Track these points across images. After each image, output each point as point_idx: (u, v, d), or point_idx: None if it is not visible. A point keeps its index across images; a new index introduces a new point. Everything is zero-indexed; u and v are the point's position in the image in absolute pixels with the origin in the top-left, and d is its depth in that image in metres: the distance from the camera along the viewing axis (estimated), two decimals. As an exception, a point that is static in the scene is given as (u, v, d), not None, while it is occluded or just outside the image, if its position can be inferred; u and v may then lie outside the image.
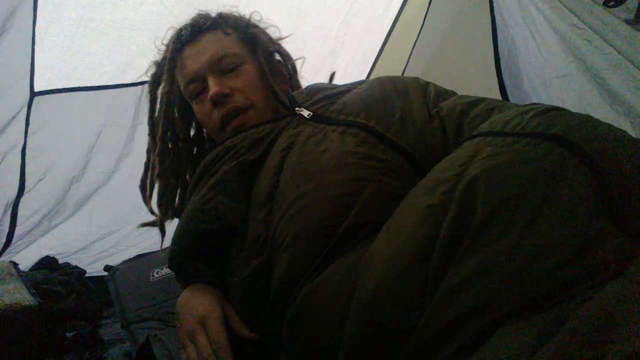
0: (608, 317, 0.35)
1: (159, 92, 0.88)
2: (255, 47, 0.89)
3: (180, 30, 0.87)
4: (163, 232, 0.90)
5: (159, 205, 0.89)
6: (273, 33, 0.96)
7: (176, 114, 0.91)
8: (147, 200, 0.91)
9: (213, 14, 0.90)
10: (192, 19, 0.88)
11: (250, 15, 0.92)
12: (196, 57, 0.83)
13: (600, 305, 0.36)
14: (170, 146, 0.89)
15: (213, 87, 0.80)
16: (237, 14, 0.92)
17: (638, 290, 0.37)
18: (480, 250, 0.43)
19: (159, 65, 0.88)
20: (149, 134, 0.90)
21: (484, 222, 0.44)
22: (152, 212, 0.93)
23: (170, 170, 0.88)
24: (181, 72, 0.85)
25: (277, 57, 0.95)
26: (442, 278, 0.44)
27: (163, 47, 0.91)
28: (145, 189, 0.92)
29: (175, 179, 0.89)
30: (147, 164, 0.93)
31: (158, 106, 0.89)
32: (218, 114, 0.81)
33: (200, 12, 0.90)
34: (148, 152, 0.93)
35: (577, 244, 0.40)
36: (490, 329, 0.40)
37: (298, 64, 0.99)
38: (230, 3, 0.96)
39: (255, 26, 0.92)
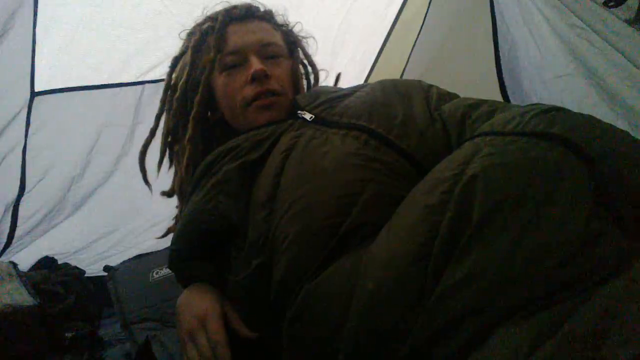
0: (607, 318, 0.35)
1: (200, 59, 0.88)
2: (294, 51, 0.94)
3: (234, 7, 0.90)
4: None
5: (187, 168, 0.87)
6: (310, 44, 1.01)
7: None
8: (158, 166, 0.93)
9: (265, 7, 0.94)
10: (247, 4, 0.92)
11: (295, 25, 0.99)
12: (244, 34, 0.86)
13: (599, 305, 0.36)
14: (203, 121, 0.89)
15: (257, 64, 0.82)
16: (284, 18, 0.97)
17: (637, 290, 0.37)
18: (478, 250, 0.43)
19: (203, 32, 0.89)
20: (177, 98, 0.88)
21: (482, 222, 0.44)
22: (147, 183, 0.95)
23: (200, 135, 0.88)
24: (223, 43, 0.86)
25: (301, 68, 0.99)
26: (440, 278, 0.44)
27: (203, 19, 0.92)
28: (144, 156, 0.93)
29: (202, 144, 0.89)
30: (153, 130, 0.94)
31: (196, 72, 0.88)
32: (254, 90, 0.82)
33: (253, 2, 0.94)
34: (158, 118, 0.93)
35: (575, 244, 0.40)
36: (488, 329, 0.40)
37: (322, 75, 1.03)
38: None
39: (295, 34, 0.97)
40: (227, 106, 0.87)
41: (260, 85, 0.82)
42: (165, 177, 0.94)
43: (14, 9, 1.15)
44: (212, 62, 0.85)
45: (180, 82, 0.88)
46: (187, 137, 0.86)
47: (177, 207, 0.95)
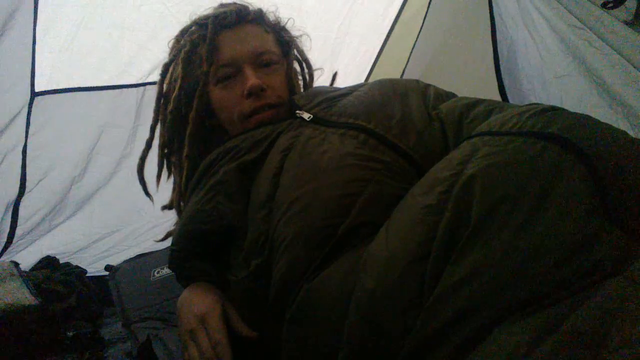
0: (607, 318, 0.35)
1: (192, 71, 0.85)
2: (288, 51, 0.92)
3: (224, 13, 0.86)
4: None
5: (186, 186, 0.85)
6: (304, 41, 0.99)
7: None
8: (157, 180, 0.91)
9: (254, 7, 0.90)
10: (235, 7, 0.88)
11: (287, 21, 0.95)
12: (237, 44, 0.84)
13: (598, 305, 0.36)
14: (200, 127, 0.87)
15: (252, 78, 0.80)
16: (275, 16, 0.94)
17: (637, 290, 0.37)
18: (476, 249, 0.43)
19: (194, 44, 0.86)
20: (171, 111, 0.86)
21: (480, 221, 0.44)
22: (148, 195, 0.93)
23: (198, 152, 0.87)
24: (216, 54, 0.84)
25: (296, 65, 0.97)
26: (440, 278, 0.44)
27: (192, 25, 0.89)
28: (142, 168, 0.91)
29: (200, 149, 0.87)
30: (149, 142, 0.92)
31: (188, 85, 0.86)
32: (251, 105, 0.81)
33: (241, 2, 0.91)
34: (152, 128, 0.91)
35: (573, 242, 0.40)
36: (487, 328, 0.40)
37: (316, 75, 1.01)
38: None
39: (288, 32, 0.95)
40: (225, 117, 0.86)
41: (257, 100, 0.81)
42: (167, 182, 0.94)
43: (14, 9, 1.15)
44: (205, 75, 0.84)
45: (174, 95, 0.86)
46: (184, 154, 0.85)
47: None
